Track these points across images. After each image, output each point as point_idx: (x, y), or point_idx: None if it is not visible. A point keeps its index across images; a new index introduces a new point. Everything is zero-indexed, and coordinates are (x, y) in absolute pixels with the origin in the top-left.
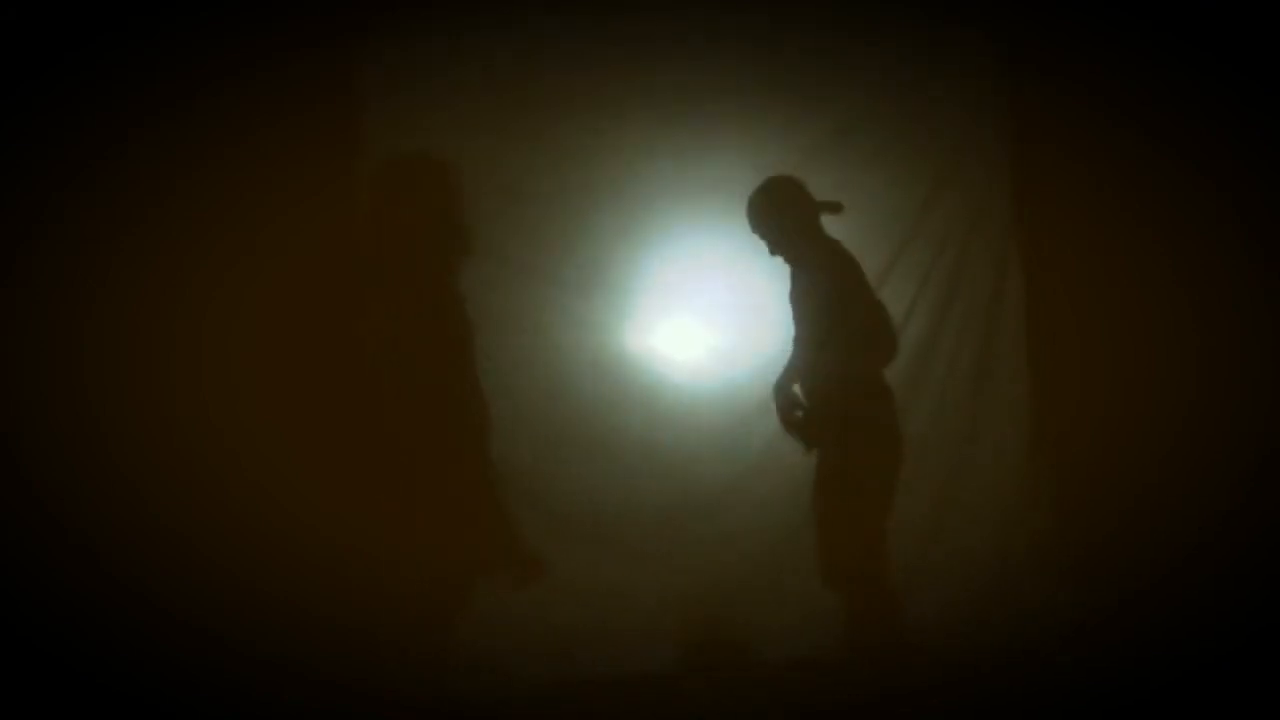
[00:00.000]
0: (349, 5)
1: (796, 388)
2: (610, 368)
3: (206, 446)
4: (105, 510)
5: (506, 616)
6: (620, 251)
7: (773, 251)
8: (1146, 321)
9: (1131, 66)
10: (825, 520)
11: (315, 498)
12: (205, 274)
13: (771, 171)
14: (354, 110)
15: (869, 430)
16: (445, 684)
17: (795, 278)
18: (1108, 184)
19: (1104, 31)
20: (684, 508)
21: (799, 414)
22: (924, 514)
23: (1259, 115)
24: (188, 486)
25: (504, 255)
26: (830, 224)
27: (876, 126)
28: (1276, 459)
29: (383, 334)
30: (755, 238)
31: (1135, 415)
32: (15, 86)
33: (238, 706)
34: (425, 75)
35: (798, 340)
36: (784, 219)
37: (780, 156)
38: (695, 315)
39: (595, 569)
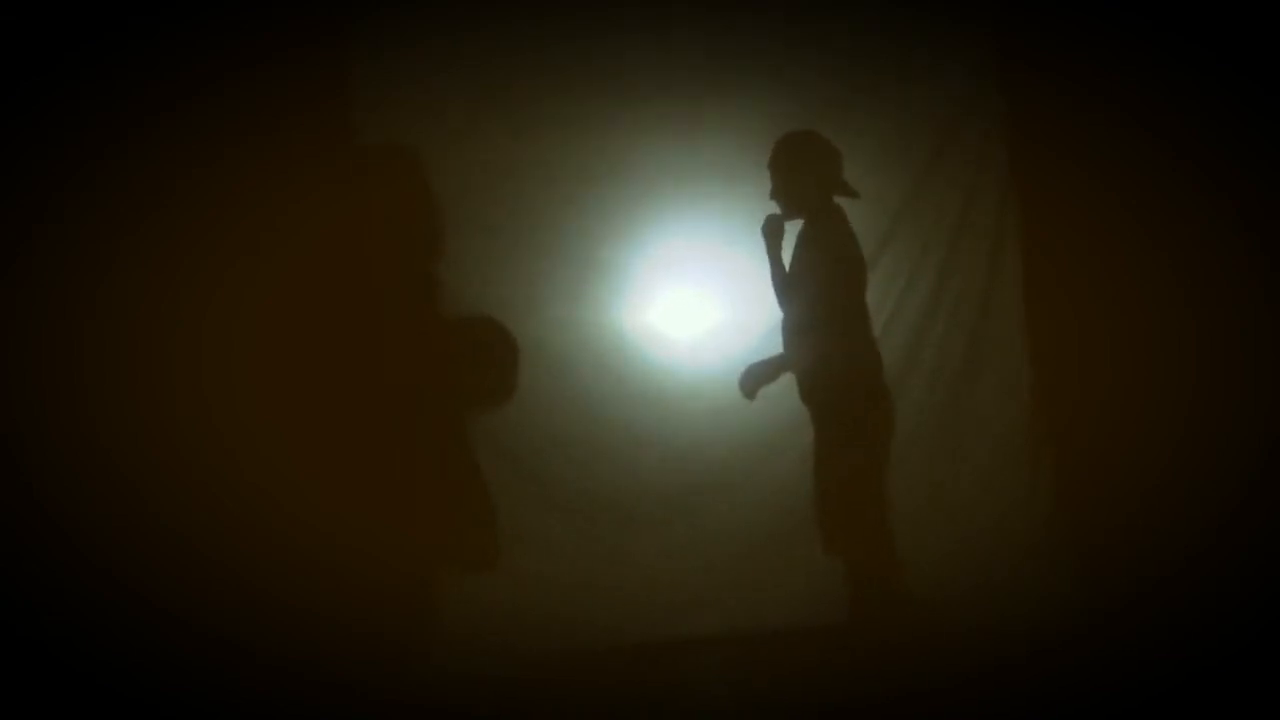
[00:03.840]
0: (347, 5)
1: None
2: (607, 344)
3: (206, 446)
4: (105, 510)
5: (505, 593)
6: (618, 228)
7: (774, 195)
8: (1144, 315)
9: (1129, 64)
10: (824, 489)
11: (315, 497)
12: (205, 274)
13: (765, 150)
14: (352, 109)
15: (861, 399)
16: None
17: (803, 247)
18: (1103, 169)
19: (1102, 26)
20: (682, 481)
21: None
22: (917, 506)
23: (1258, 114)
24: (188, 486)
25: (502, 232)
26: None
27: (869, 108)
28: (1277, 458)
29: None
30: (766, 175)
31: (1134, 408)
32: (15, 86)
33: (238, 706)
34: (423, 74)
35: (790, 324)
36: (813, 175)
37: (774, 137)
38: (693, 292)
39: (593, 541)
